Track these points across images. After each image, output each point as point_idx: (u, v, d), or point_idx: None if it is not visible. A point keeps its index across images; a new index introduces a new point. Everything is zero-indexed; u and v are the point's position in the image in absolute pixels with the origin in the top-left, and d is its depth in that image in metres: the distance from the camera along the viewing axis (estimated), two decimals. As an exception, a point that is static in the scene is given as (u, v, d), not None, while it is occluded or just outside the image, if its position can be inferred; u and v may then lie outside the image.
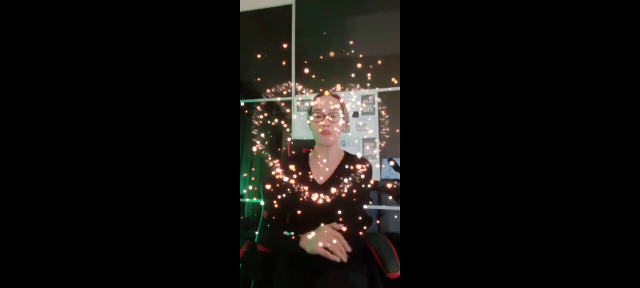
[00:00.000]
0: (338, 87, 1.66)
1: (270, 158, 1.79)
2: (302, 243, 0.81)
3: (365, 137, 1.62)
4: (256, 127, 1.82)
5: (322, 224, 0.81)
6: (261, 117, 1.81)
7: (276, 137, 1.84)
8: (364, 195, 0.93)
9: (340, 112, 0.93)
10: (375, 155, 1.60)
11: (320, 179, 0.94)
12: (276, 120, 1.79)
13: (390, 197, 1.59)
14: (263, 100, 1.82)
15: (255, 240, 1.08)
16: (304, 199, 0.90)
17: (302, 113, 1.72)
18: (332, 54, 1.73)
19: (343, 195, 0.89)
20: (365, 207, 0.96)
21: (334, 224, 0.80)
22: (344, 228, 0.82)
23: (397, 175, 1.56)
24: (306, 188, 0.91)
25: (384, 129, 1.61)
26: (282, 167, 0.98)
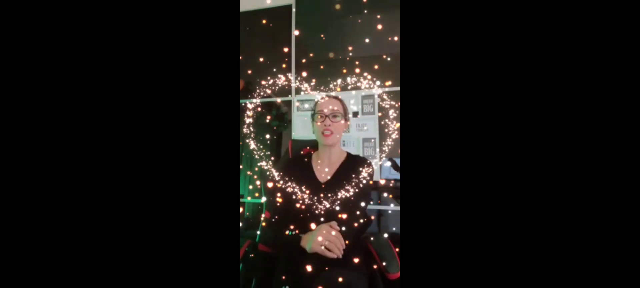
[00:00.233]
0: (338, 88, 1.66)
1: (271, 158, 1.79)
2: (303, 243, 0.81)
3: (365, 137, 1.62)
4: (256, 127, 1.82)
5: (321, 224, 0.82)
6: (261, 117, 1.81)
7: (276, 137, 1.84)
8: (365, 195, 0.94)
9: (342, 113, 0.95)
10: (376, 155, 1.60)
11: (322, 179, 0.95)
12: (276, 120, 1.79)
13: (390, 196, 1.59)
14: (263, 100, 1.82)
15: (257, 239, 1.09)
16: (306, 198, 0.90)
17: (302, 113, 1.72)
18: (331, 55, 1.73)
19: (345, 195, 0.89)
20: (364, 205, 0.96)
21: (332, 223, 0.81)
22: (343, 228, 0.82)
23: (397, 175, 1.56)
24: (308, 188, 0.92)
25: (384, 129, 1.61)
26: (283, 166, 0.98)
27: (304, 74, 1.74)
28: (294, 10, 1.79)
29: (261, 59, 1.80)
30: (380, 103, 1.61)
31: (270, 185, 1.00)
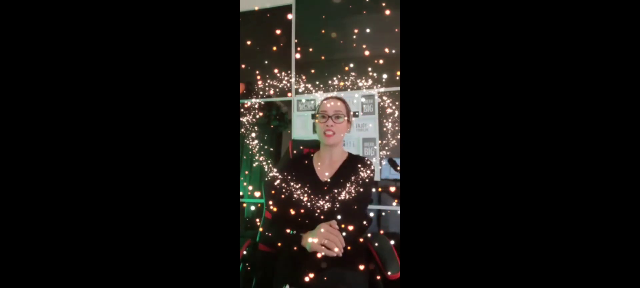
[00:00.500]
0: (340, 84, 1.66)
1: (272, 158, 1.79)
2: (303, 242, 0.81)
3: (365, 137, 1.62)
4: (256, 127, 1.82)
5: (321, 223, 0.82)
6: (261, 117, 1.81)
7: (276, 137, 1.84)
8: (366, 195, 0.94)
9: (344, 113, 0.96)
10: (375, 155, 1.60)
11: (324, 179, 0.95)
12: (276, 120, 1.79)
13: (386, 191, 1.59)
14: (263, 100, 1.82)
15: (257, 239, 1.09)
16: (307, 198, 0.90)
17: (302, 113, 1.72)
18: (331, 54, 1.73)
19: (346, 194, 0.90)
20: (365, 205, 0.96)
21: (332, 221, 0.81)
22: (343, 228, 0.82)
23: (397, 175, 1.56)
24: (309, 187, 0.92)
25: (384, 129, 1.61)
26: (284, 166, 0.98)
27: (304, 77, 1.74)
28: (294, 10, 1.79)
29: (259, 56, 1.80)
30: (380, 103, 1.61)
31: (270, 185, 1.00)
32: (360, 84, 1.63)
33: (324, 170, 0.97)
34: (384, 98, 1.61)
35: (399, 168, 1.56)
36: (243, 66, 1.80)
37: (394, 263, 0.88)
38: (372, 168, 0.96)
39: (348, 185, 0.91)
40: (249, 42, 1.78)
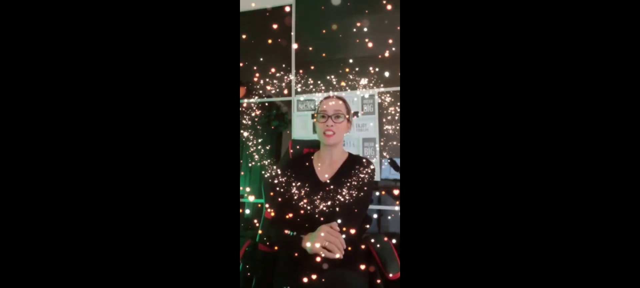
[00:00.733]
0: (342, 83, 1.66)
1: (272, 158, 1.79)
2: (303, 244, 0.81)
3: (365, 137, 1.62)
4: (256, 127, 1.82)
5: (322, 225, 0.82)
6: (261, 117, 1.81)
7: (276, 137, 1.84)
8: (366, 195, 0.94)
9: (345, 113, 0.95)
10: (375, 155, 1.60)
11: (324, 179, 0.95)
12: (276, 120, 1.79)
13: (384, 193, 1.59)
14: (263, 101, 1.82)
15: (257, 239, 1.09)
16: (306, 198, 0.90)
17: (302, 113, 1.72)
18: (331, 54, 1.73)
19: (346, 195, 0.89)
20: (365, 205, 0.96)
21: (332, 223, 0.81)
22: (344, 229, 0.82)
23: (397, 175, 1.56)
24: (309, 187, 0.92)
25: (384, 129, 1.61)
26: (284, 166, 0.98)
27: (302, 71, 1.74)
28: (293, 10, 1.79)
29: (259, 56, 1.80)
30: (382, 102, 1.61)
31: (270, 185, 1.00)
32: (360, 84, 1.63)
33: (324, 170, 0.97)
34: (384, 98, 1.61)
35: (399, 168, 1.56)
36: (242, 64, 1.80)
37: (394, 263, 0.88)
38: (372, 168, 0.96)
39: (348, 186, 0.91)
40: (244, 36, 1.78)
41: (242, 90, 1.81)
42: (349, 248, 0.80)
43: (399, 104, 1.53)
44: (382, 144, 1.60)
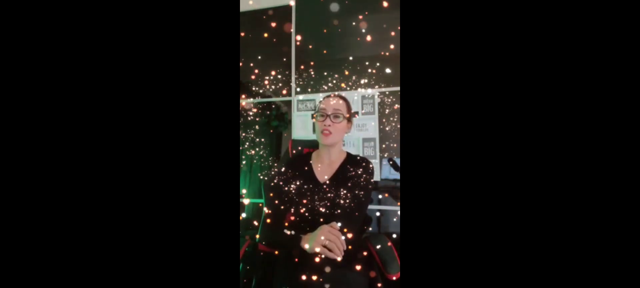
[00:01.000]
0: (342, 84, 1.66)
1: (271, 158, 1.79)
2: (303, 243, 0.81)
3: (365, 137, 1.62)
4: (256, 127, 1.82)
5: (322, 225, 0.81)
6: (261, 116, 1.81)
7: (276, 137, 1.84)
8: (366, 196, 0.93)
9: (344, 114, 0.94)
10: (375, 155, 1.60)
11: (322, 179, 0.95)
12: (276, 120, 1.79)
13: (386, 195, 1.59)
14: (263, 101, 1.82)
15: (257, 239, 1.09)
16: (305, 199, 0.90)
17: (302, 113, 1.72)
18: (331, 54, 1.73)
19: (345, 195, 0.89)
20: (364, 206, 0.96)
21: (333, 223, 0.80)
22: (345, 230, 0.82)
23: (397, 175, 1.56)
24: (308, 187, 0.91)
25: (384, 129, 1.61)
26: (283, 166, 0.98)
27: (305, 69, 1.74)
28: (293, 10, 1.79)
29: (259, 56, 1.80)
30: (385, 101, 1.61)
31: (270, 185, 0.99)
32: (360, 84, 1.63)
33: (323, 171, 0.96)
34: (384, 97, 1.61)
35: (399, 168, 1.56)
36: (241, 64, 1.80)
37: (394, 263, 0.88)
38: (371, 168, 0.95)
39: (347, 186, 0.91)
40: (242, 34, 1.78)
41: (247, 104, 1.81)
42: (349, 247, 0.80)
43: (398, 104, 1.53)
44: (384, 147, 1.60)
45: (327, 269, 0.78)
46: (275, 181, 0.95)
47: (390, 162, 1.53)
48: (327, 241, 0.76)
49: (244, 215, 1.75)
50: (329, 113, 0.92)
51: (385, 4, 1.59)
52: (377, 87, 1.61)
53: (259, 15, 1.85)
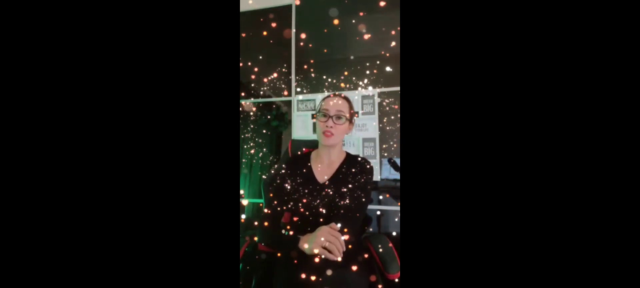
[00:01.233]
0: (341, 85, 1.66)
1: (271, 158, 1.79)
2: (301, 244, 0.81)
3: (365, 137, 1.62)
4: (256, 126, 1.82)
5: (321, 226, 0.81)
6: (261, 116, 1.81)
7: (276, 137, 1.84)
8: (365, 196, 0.93)
9: (347, 115, 0.92)
10: (375, 155, 1.60)
11: (322, 179, 0.94)
12: (276, 120, 1.79)
13: (387, 196, 1.59)
14: (263, 101, 1.82)
15: (256, 239, 1.08)
16: (305, 199, 0.90)
17: (302, 113, 1.72)
18: (332, 54, 1.73)
19: (345, 196, 0.89)
20: (364, 206, 0.96)
21: (332, 224, 0.79)
22: (345, 230, 0.82)
23: (397, 175, 1.56)
24: (307, 188, 0.91)
25: (384, 129, 1.61)
26: (283, 166, 0.98)
27: (306, 69, 1.74)
28: (294, 10, 1.79)
29: (259, 56, 1.80)
30: (384, 103, 1.61)
31: (269, 185, 0.99)
32: (360, 83, 1.63)
33: (323, 171, 0.96)
34: (385, 98, 1.61)
35: (399, 168, 1.56)
36: (242, 64, 1.80)
37: (394, 263, 0.88)
38: (371, 168, 0.95)
39: (347, 186, 0.90)
40: (243, 34, 1.78)
41: (250, 105, 1.81)
42: (349, 246, 0.80)
43: (398, 104, 1.53)
44: (386, 148, 1.60)
45: (329, 272, 0.77)
46: (275, 181, 0.95)
47: (390, 162, 1.53)
48: (326, 242, 0.76)
49: (243, 216, 1.75)
50: (332, 114, 0.91)
51: (382, 3, 1.59)
52: (377, 87, 1.61)
53: (259, 16, 1.85)
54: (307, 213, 0.89)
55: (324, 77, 1.71)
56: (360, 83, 1.63)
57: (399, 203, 1.55)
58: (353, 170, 0.93)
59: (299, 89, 1.74)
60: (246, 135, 1.82)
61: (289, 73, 1.76)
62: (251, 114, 1.80)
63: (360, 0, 1.69)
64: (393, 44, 1.59)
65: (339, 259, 0.76)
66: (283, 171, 0.96)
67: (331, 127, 0.90)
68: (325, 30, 1.73)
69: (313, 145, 1.11)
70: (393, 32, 1.59)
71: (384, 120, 1.61)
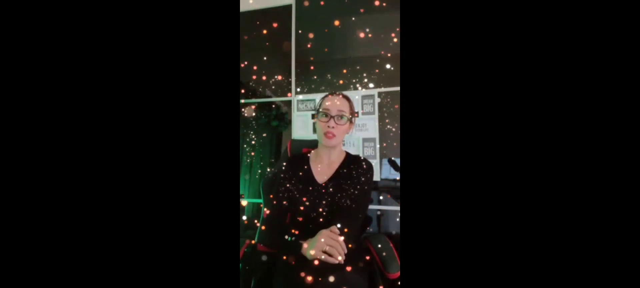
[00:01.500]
0: (338, 84, 1.66)
1: (270, 158, 1.79)
2: (303, 251, 0.79)
3: (365, 137, 1.62)
4: (256, 126, 1.82)
5: (322, 230, 0.79)
6: (261, 116, 1.81)
7: (276, 137, 1.84)
8: (365, 196, 0.93)
9: (348, 115, 0.91)
10: (375, 155, 1.60)
11: (322, 180, 0.94)
12: (276, 120, 1.79)
13: (388, 196, 1.59)
14: (263, 101, 1.82)
15: (255, 239, 1.08)
16: (304, 199, 0.89)
17: (302, 113, 1.72)
18: (331, 54, 1.73)
19: (345, 196, 0.88)
20: (364, 206, 0.95)
21: (332, 228, 0.79)
22: (345, 230, 0.81)
23: (397, 175, 1.56)
24: (307, 188, 0.91)
25: (384, 129, 1.61)
26: (282, 167, 0.97)
27: (305, 69, 1.74)
28: (294, 10, 1.79)
29: (259, 56, 1.80)
30: (381, 102, 1.61)
31: (268, 186, 0.99)
32: (360, 83, 1.63)
33: (322, 171, 0.95)
34: (384, 97, 1.61)
35: (399, 168, 1.56)
36: (243, 65, 1.80)
37: (394, 263, 0.88)
38: (370, 168, 0.94)
39: (347, 187, 0.89)
40: (245, 37, 1.78)
41: (253, 108, 1.80)
42: (350, 246, 0.79)
43: (397, 104, 1.53)
44: (385, 146, 1.60)
45: (332, 279, 0.76)
46: (274, 182, 0.94)
47: (390, 162, 1.52)
48: (327, 246, 0.75)
49: (245, 217, 1.75)
50: (333, 114, 0.88)
51: (380, 3, 1.59)
52: (376, 87, 1.61)
53: (259, 16, 1.85)
54: (307, 214, 0.89)
55: (328, 75, 1.71)
56: (360, 83, 1.63)
57: (399, 203, 1.55)
58: (353, 170, 0.93)
59: (299, 89, 1.74)
60: (246, 139, 1.82)
61: (289, 73, 1.76)
62: (252, 117, 1.80)
63: (360, 0, 1.69)
64: (393, 42, 1.59)
65: (339, 258, 0.75)
66: (282, 172, 0.95)
67: (333, 127, 0.88)
68: (326, 30, 1.73)
69: (312, 145, 1.11)
70: (393, 36, 1.59)
71: (386, 121, 1.60)
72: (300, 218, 0.89)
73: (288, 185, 0.92)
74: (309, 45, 1.74)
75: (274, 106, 1.82)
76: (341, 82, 1.66)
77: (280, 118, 1.81)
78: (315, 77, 1.73)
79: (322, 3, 1.73)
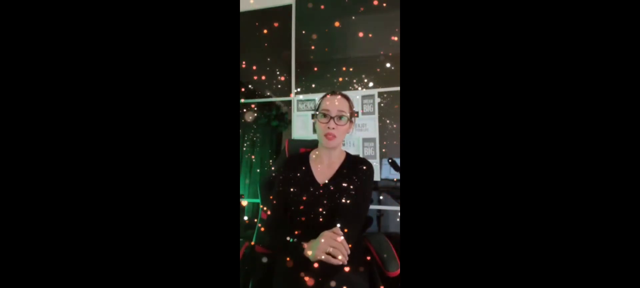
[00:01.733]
0: (338, 83, 1.66)
1: (270, 159, 1.79)
2: (306, 254, 0.78)
3: (365, 137, 1.62)
4: (256, 127, 1.82)
5: (324, 231, 0.78)
6: (261, 117, 1.81)
7: (276, 137, 1.84)
8: (366, 196, 0.92)
9: (348, 115, 0.90)
10: (375, 155, 1.60)
11: (322, 180, 0.93)
12: (276, 121, 1.79)
13: (389, 196, 1.59)
14: (263, 100, 1.82)
15: (253, 239, 1.08)
16: (304, 200, 0.89)
17: (302, 113, 1.72)
18: (331, 54, 1.73)
19: (345, 197, 0.88)
20: (365, 206, 0.95)
21: (335, 229, 0.78)
22: (345, 231, 0.81)
23: (397, 175, 1.56)
24: (307, 189, 0.91)
25: (383, 129, 1.61)
26: (280, 167, 0.97)
27: (305, 70, 1.73)
28: (293, 10, 1.79)
29: (259, 56, 1.80)
30: (381, 102, 1.61)
31: (267, 186, 0.98)
32: (360, 83, 1.63)
33: (322, 172, 0.94)
34: (384, 96, 1.61)
35: (399, 168, 1.56)
36: (243, 65, 1.80)
37: (393, 262, 0.88)
38: (370, 168, 0.94)
39: (347, 187, 0.89)
40: (244, 38, 1.78)
41: (252, 114, 1.80)
42: (350, 246, 0.79)
43: (397, 104, 1.53)
44: (382, 144, 1.60)
45: (333, 284, 0.75)
46: (273, 182, 0.93)
47: (390, 161, 1.52)
48: (330, 248, 0.74)
49: (246, 217, 1.75)
50: (333, 114, 0.87)
51: (380, 2, 1.59)
52: (376, 87, 1.61)
53: (259, 16, 1.85)
54: (307, 214, 0.89)
55: (327, 75, 1.70)
56: (360, 83, 1.63)
57: (399, 203, 1.55)
58: (353, 170, 0.92)
59: (299, 89, 1.74)
60: (246, 141, 1.82)
61: (289, 73, 1.76)
62: (251, 120, 1.80)
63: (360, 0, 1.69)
64: (393, 41, 1.59)
65: (340, 258, 0.75)
66: (281, 172, 0.94)
67: (333, 128, 0.87)
68: (326, 30, 1.73)
69: (310, 145, 1.10)
70: (393, 37, 1.59)
71: (387, 121, 1.60)
72: (301, 219, 0.89)
73: (287, 186, 0.92)
74: (311, 47, 1.74)
75: (274, 106, 1.82)
76: (341, 79, 1.66)
77: (280, 118, 1.81)
78: (314, 77, 1.73)
79: (322, 7, 1.73)
